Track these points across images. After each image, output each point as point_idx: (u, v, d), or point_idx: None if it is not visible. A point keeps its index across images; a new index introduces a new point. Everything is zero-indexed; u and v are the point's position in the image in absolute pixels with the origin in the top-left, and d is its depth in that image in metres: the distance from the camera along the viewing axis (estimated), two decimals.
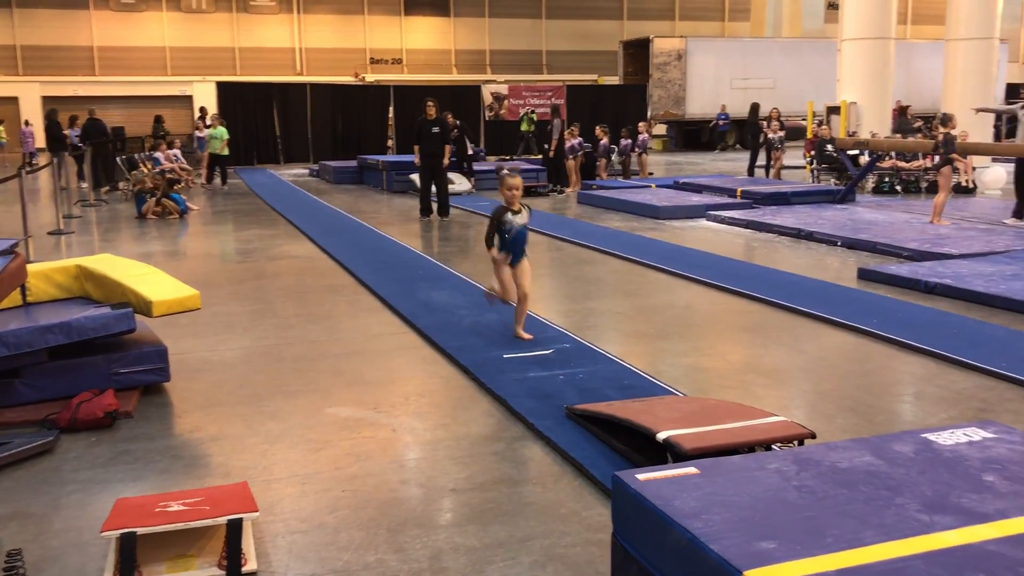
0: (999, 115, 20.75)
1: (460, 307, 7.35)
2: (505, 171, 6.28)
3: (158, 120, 27.25)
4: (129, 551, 3.17)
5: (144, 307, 5.28)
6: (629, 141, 20.16)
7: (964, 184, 16.51)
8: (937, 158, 11.56)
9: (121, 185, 18.31)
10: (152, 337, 5.54)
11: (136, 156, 18.96)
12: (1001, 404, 4.95)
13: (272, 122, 26.65)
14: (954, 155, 11.46)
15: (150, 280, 5.67)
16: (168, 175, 16.15)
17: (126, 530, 3.17)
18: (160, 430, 4.71)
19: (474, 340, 6.28)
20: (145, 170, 16.31)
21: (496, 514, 3.71)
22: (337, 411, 4.95)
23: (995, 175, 17.37)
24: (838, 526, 2.69)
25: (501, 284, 6.17)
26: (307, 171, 23.72)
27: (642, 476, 3.07)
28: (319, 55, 40.50)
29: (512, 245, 6.11)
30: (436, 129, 13.35)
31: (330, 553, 3.42)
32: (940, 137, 11.35)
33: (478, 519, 3.67)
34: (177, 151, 20.24)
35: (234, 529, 3.28)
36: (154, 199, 14.24)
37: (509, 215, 6.05)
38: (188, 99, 37.51)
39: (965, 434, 3.50)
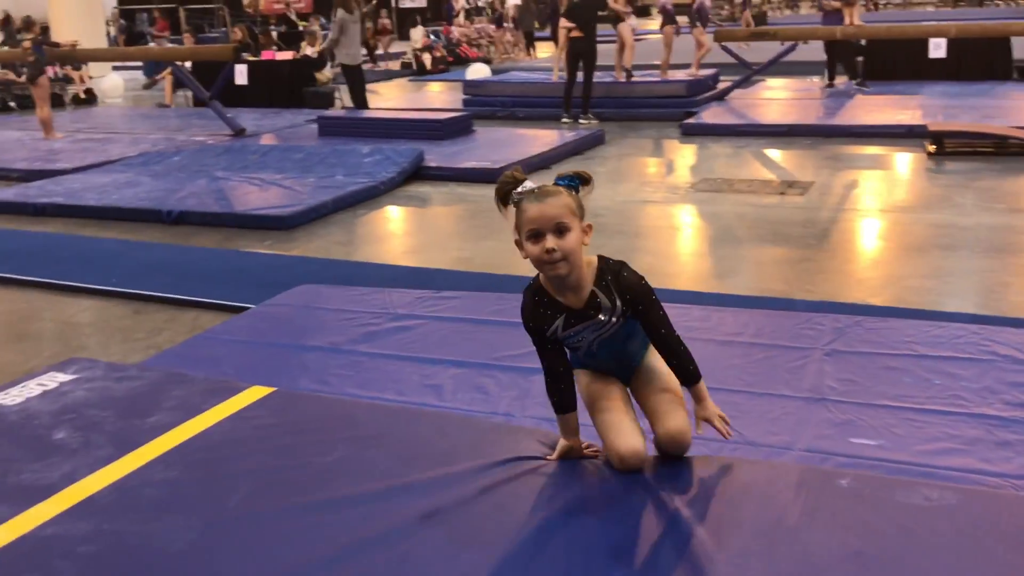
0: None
1: None
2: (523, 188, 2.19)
3: None
4: None
5: None
6: None
7: (81, 95, 15.88)
8: (27, 71, 10.59)
9: None
10: None
11: None
12: (116, 322, 4.57)
13: None
14: (48, 66, 10.65)
15: None
16: None
17: None
18: None
19: None
20: None
21: None
22: None
23: (113, 83, 17.09)
24: None
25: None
26: None
27: None
28: None
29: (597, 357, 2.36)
30: None
31: None
32: (29, 46, 10.40)
33: None
34: None
35: None
36: None
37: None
38: None
39: (40, 384, 2.96)
